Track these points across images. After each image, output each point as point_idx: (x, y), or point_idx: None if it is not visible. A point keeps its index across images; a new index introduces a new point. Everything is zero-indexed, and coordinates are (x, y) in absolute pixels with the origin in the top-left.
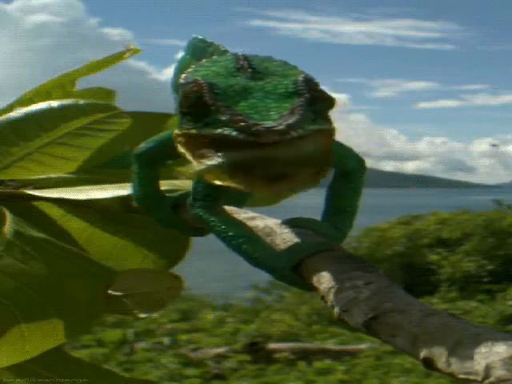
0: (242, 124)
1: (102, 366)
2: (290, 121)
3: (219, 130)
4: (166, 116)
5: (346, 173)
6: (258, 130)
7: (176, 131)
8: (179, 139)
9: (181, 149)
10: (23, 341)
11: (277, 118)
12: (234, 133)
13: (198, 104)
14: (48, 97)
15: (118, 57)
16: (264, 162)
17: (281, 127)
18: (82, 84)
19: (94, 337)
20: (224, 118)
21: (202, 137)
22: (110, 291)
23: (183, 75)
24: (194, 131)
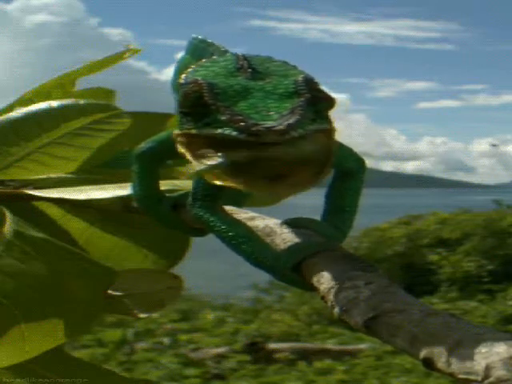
0: (242, 124)
1: (102, 366)
2: (291, 121)
3: (219, 130)
4: (166, 116)
5: (346, 173)
6: (258, 130)
7: (176, 131)
8: (179, 139)
9: (181, 149)
10: (23, 341)
11: (277, 118)
12: (234, 133)
13: (198, 104)
14: (48, 97)
15: (118, 57)
16: (264, 162)
17: (281, 127)
18: (82, 84)
19: (94, 337)
20: (224, 118)
21: (202, 137)
22: (109, 291)
23: (183, 75)
24: (194, 131)
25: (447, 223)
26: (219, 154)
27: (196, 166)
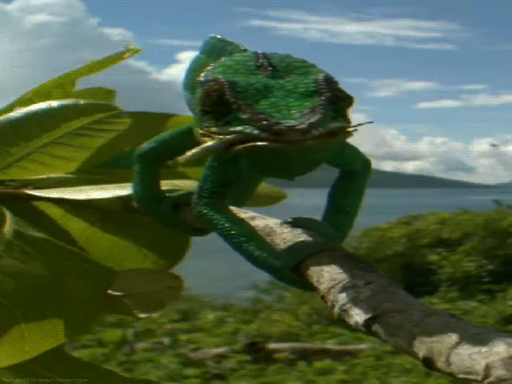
0: (264, 123)
1: (101, 365)
2: (312, 120)
3: (240, 128)
4: (166, 116)
5: (351, 173)
6: (280, 129)
7: (197, 129)
8: (200, 137)
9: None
10: (23, 341)
11: (298, 116)
12: (256, 131)
13: (218, 102)
14: (48, 97)
15: (118, 57)
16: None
17: (302, 126)
18: (82, 84)
19: (94, 337)
20: (245, 117)
21: (223, 135)
22: (109, 291)
23: (203, 73)
24: (214, 129)
25: (447, 223)
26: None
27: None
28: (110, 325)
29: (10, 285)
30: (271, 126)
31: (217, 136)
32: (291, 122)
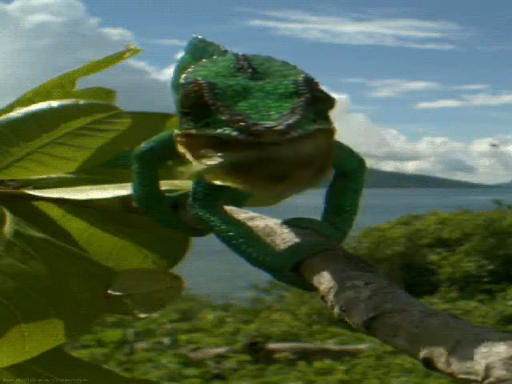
0: (242, 124)
1: (101, 365)
2: (290, 121)
3: (219, 130)
4: (166, 116)
5: (346, 173)
6: (257, 130)
7: (176, 131)
8: (179, 139)
9: (181, 149)
10: (23, 341)
11: (277, 117)
12: (234, 133)
13: (198, 104)
14: (48, 97)
15: (118, 57)
16: (264, 161)
17: (281, 127)
18: (82, 84)
19: (94, 337)
20: (224, 118)
21: (202, 137)
22: (109, 291)
23: (184, 75)
24: (194, 131)
25: (447, 223)
26: (219, 154)
27: (196, 165)
28: (110, 325)
29: (10, 285)
30: (249, 127)
31: (204, 162)
32: (269, 123)
